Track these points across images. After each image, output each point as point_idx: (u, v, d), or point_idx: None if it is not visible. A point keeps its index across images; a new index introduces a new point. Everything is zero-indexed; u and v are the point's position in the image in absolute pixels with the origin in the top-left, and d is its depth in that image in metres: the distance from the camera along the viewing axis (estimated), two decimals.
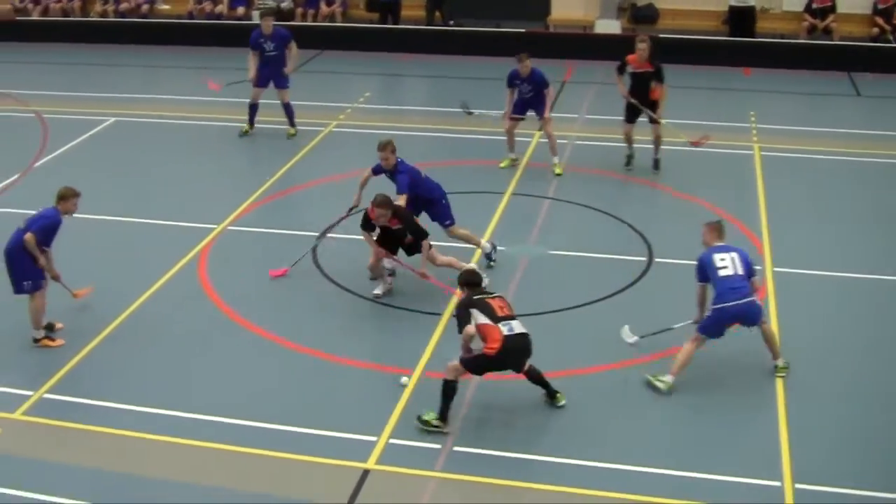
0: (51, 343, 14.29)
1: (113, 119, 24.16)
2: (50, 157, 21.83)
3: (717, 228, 13.41)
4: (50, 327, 14.50)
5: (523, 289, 15.67)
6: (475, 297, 12.54)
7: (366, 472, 11.71)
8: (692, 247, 15.05)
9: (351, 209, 16.39)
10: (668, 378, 12.99)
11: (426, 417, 12.30)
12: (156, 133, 23.43)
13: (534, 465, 11.83)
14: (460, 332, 12.37)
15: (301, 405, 13.01)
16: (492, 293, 12.85)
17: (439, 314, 14.94)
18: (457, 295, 13.57)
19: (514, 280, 15.96)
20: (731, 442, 12.27)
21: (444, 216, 16.29)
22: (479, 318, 12.32)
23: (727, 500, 11.20)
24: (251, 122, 22.69)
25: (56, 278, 14.43)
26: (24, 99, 25.92)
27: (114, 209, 18.72)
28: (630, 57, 19.64)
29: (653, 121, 19.71)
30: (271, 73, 22.29)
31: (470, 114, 21.61)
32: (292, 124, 22.70)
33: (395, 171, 15.92)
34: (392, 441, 12.24)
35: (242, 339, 14.55)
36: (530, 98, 20.17)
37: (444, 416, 12.29)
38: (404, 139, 22.24)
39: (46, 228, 13.94)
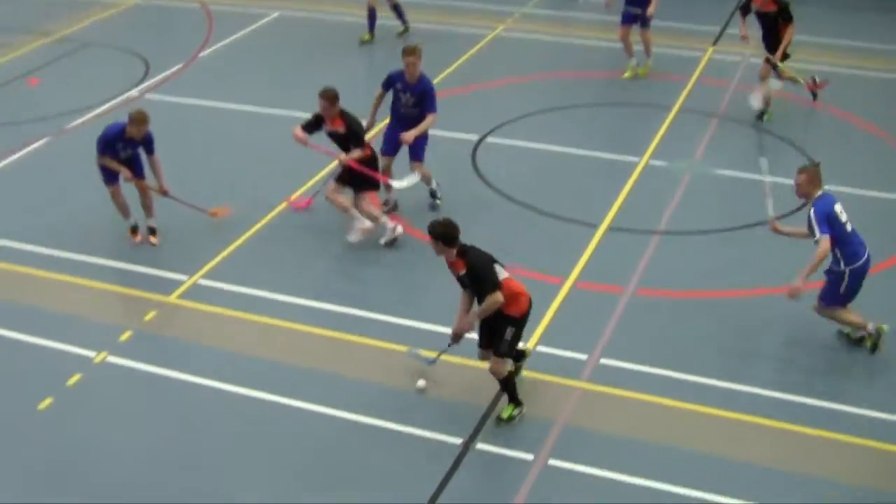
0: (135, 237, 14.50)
1: (277, 13, 24.20)
2: (214, 48, 22.01)
3: (818, 174, 11.70)
4: (135, 229, 14.61)
5: (683, 206, 15.27)
6: (484, 251, 10.79)
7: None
8: (863, 176, 14.55)
9: (367, 129, 14.98)
10: (870, 326, 11.87)
11: (505, 415, 10.97)
12: (318, 29, 23.37)
13: (677, 384, 11.53)
14: (483, 299, 10.56)
15: (451, 307, 12.88)
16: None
17: (595, 226, 14.67)
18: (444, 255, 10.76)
19: (675, 197, 15.54)
20: None
21: (421, 147, 15.00)
22: (503, 274, 10.73)
23: None
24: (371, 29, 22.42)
25: (165, 193, 14.39)
26: None
27: (272, 102, 18.77)
28: None
29: (767, 60, 18.19)
30: None
31: None
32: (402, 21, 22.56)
33: (419, 84, 14.73)
34: (539, 348, 12.09)
35: (397, 241, 14.47)
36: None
37: (517, 400, 11.05)
38: (571, 48, 22.02)
39: (102, 142, 13.98)
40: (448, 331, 11.20)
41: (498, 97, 19.14)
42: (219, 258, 14.00)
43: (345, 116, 14.07)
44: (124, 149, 13.97)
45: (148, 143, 14.04)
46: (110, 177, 14.16)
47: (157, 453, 10.69)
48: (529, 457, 10.47)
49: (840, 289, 11.73)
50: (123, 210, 14.41)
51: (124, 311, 13.06)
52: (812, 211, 11.50)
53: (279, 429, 10.97)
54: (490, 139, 17.37)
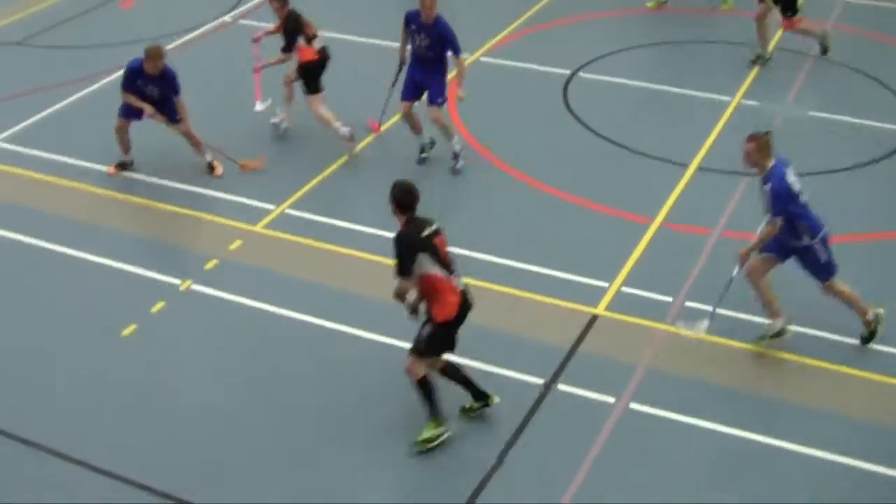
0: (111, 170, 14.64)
1: None
2: None
3: (769, 143, 10.80)
4: (123, 166, 14.67)
5: (775, 148, 14.93)
6: (423, 235, 9.56)
7: (594, 318, 11.56)
8: None
9: (401, 66, 14.81)
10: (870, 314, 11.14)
11: (423, 437, 9.93)
12: None
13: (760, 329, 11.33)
14: (398, 275, 9.61)
15: (537, 244, 12.86)
16: (430, 221, 9.77)
17: (685, 165, 14.49)
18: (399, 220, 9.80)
19: None
20: None
21: (439, 91, 14.46)
22: (428, 266, 9.52)
23: None
24: None
25: (190, 135, 14.46)
26: None
27: (370, 31, 18.68)
28: None
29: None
30: None
31: None
32: None
33: (435, 25, 13.97)
34: (624, 289, 12.03)
35: (487, 174, 14.43)
36: None
37: (438, 418, 9.97)
38: None
39: (123, 77, 14.09)
40: (528, 267, 11.08)
41: (590, 32, 18.93)
42: (306, 188, 14.07)
43: (287, 19, 14.63)
44: (146, 86, 13.98)
45: (170, 82, 14.01)
46: (127, 111, 14.22)
47: (237, 382, 10.83)
48: (611, 399, 10.44)
49: (822, 257, 10.89)
50: (123, 146, 14.52)
51: (210, 239, 13.17)
52: (769, 188, 10.61)
53: (362, 361, 11.04)
54: (582, 74, 17.21)
